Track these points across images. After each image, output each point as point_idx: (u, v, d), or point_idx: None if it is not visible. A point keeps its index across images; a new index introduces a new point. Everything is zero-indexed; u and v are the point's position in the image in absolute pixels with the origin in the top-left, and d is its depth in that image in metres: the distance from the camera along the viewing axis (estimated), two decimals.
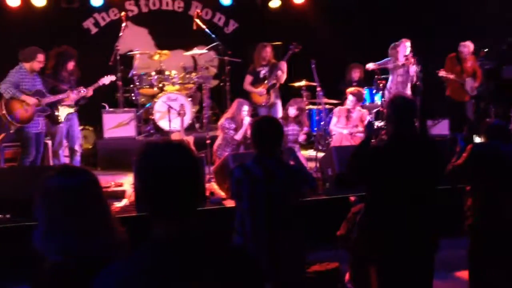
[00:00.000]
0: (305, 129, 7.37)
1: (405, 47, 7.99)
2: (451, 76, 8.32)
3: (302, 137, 7.35)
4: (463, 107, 8.62)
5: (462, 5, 9.52)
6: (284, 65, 7.90)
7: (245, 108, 6.93)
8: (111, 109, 8.39)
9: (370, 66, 8.24)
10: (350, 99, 7.41)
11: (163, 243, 1.56)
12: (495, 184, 3.64)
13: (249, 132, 6.82)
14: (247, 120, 6.85)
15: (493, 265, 3.55)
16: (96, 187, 1.99)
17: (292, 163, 3.57)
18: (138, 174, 1.63)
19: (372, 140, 3.76)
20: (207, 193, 6.03)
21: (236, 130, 6.89)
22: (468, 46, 8.41)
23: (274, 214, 3.29)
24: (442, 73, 8.29)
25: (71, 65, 6.88)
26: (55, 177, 1.92)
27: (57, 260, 1.83)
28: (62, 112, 6.75)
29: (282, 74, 7.93)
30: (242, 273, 1.59)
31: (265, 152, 3.37)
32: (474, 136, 5.29)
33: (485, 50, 9.02)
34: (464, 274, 4.50)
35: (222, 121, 7.07)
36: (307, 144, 8.80)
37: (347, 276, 4.68)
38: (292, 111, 7.26)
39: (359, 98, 7.44)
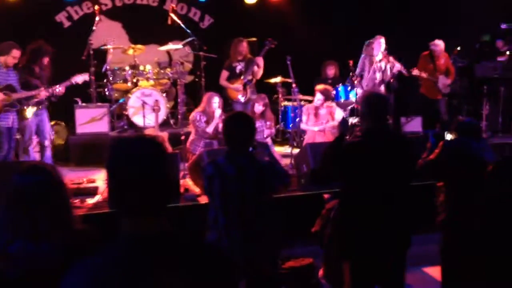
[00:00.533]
0: (268, 123, 7.35)
1: (380, 44, 8.04)
2: (425, 75, 8.42)
3: (267, 132, 7.33)
4: (436, 105, 8.73)
5: (436, 4, 9.63)
6: (261, 61, 7.89)
7: (216, 100, 6.90)
8: (83, 104, 8.26)
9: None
10: (318, 97, 7.42)
11: (132, 240, 1.53)
12: (466, 180, 3.68)
13: (220, 125, 6.83)
14: (218, 112, 6.83)
15: (465, 261, 3.59)
16: (50, 187, 1.93)
17: (266, 158, 3.54)
18: (107, 170, 1.60)
19: (347, 137, 3.77)
20: (182, 190, 5.99)
21: (208, 122, 6.87)
22: (439, 45, 8.52)
23: (247, 211, 3.27)
24: (415, 71, 8.38)
25: (45, 61, 6.79)
26: (14, 175, 1.88)
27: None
28: (31, 108, 6.64)
29: (259, 70, 7.93)
30: (214, 271, 1.57)
31: (237, 149, 3.35)
32: (446, 133, 5.34)
33: (458, 48, 9.15)
34: (434, 270, 4.57)
35: (193, 114, 7.05)
36: (282, 141, 8.81)
37: (321, 272, 4.70)
38: (259, 108, 7.26)
39: (327, 97, 7.44)
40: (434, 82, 8.56)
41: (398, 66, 8.00)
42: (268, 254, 3.37)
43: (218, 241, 3.27)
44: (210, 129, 6.85)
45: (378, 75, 8.08)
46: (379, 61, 8.03)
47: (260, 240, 3.30)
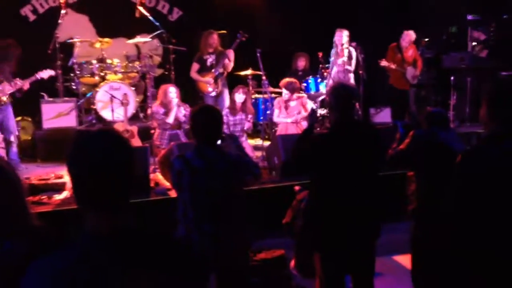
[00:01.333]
0: (250, 116, 7.36)
1: (342, 36, 8.11)
2: (393, 66, 8.51)
3: (247, 125, 7.34)
4: (404, 95, 8.83)
5: None
6: (231, 54, 7.85)
7: (172, 90, 6.88)
8: (50, 99, 8.10)
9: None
10: (284, 92, 7.45)
11: (95, 237, 1.49)
12: (436, 170, 3.72)
13: (180, 115, 6.81)
14: (175, 101, 6.81)
15: (435, 249, 3.63)
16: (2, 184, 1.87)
17: (234, 151, 3.51)
18: (68, 165, 1.56)
19: (318, 129, 3.78)
20: (152, 184, 5.93)
21: (166, 114, 6.84)
22: (409, 35, 8.61)
23: (216, 204, 3.25)
24: (383, 63, 8.47)
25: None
26: None
27: None
28: None
29: (230, 63, 7.89)
30: (182, 267, 1.55)
31: (205, 142, 3.31)
32: (414, 123, 5.46)
33: (426, 40, 9.26)
34: (404, 258, 4.62)
35: (151, 108, 7.01)
36: (254, 133, 8.79)
37: (292, 263, 4.72)
38: (240, 97, 7.22)
39: (292, 89, 7.45)
40: (402, 73, 8.65)
41: (355, 55, 8.07)
42: (238, 247, 3.35)
43: (188, 236, 3.24)
44: (170, 119, 6.81)
45: (344, 67, 8.14)
46: (343, 53, 8.10)
47: (230, 233, 3.28)
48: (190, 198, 3.23)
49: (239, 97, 7.23)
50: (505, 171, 2.42)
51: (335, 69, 8.26)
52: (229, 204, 3.29)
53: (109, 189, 1.50)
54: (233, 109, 7.27)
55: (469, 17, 9.66)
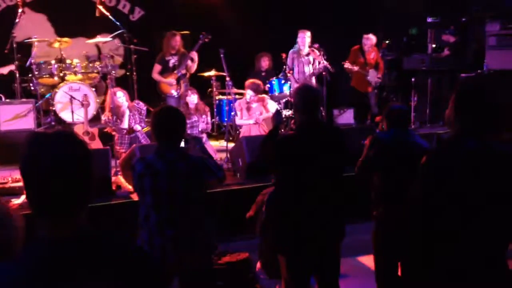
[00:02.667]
0: (204, 116, 7.28)
1: (305, 37, 8.14)
2: (355, 68, 8.58)
3: (202, 126, 7.27)
4: (366, 97, 8.92)
5: None
6: (195, 55, 7.77)
7: (119, 95, 6.80)
8: (7, 100, 7.87)
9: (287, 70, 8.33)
10: (249, 93, 7.42)
11: (49, 243, 1.42)
12: (400, 171, 3.74)
13: (132, 122, 6.73)
14: (125, 105, 6.71)
15: (398, 251, 3.65)
16: None
17: (198, 153, 3.45)
18: (20, 168, 1.48)
19: (282, 130, 3.76)
20: (114, 187, 5.81)
21: (119, 119, 6.75)
22: (371, 39, 8.70)
23: (178, 207, 3.18)
24: (346, 65, 8.54)
25: None
26: None
27: None
28: None
29: (193, 64, 7.81)
30: (140, 275, 1.49)
31: (166, 144, 3.24)
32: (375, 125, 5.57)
33: (387, 42, 9.38)
34: (369, 259, 4.64)
35: (102, 117, 6.91)
36: (218, 135, 8.73)
37: (258, 265, 4.68)
38: (192, 99, 7.15)
39: (257, 90, 7.45)
40: (364, 75, 8.73)
41: (323, 63, 8.09)
42: (200, 250, 3.29)
43: (150, 240, 3.16)
44: (124, 124, 6.72)
45: (307, 68, 8.18)
46: (306, 54, 8.12)
47: (191, 237, 3.22)
48: (152, 201, 3.16)
49: (192, 99, 7.17)
50: (469, 170, 2.44)
51: (297, 70, 8.26)
52: (191, 207, 3.22)
53: (63, 194, 1.43)
54: (187, 112, 7.21)
55: (429, 19, 9.84)
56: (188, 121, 7.18)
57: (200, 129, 7.27)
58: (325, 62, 8.07)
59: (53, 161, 1.42)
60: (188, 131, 7.19)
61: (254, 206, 4.46)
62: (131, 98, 7.31)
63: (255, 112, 7.47)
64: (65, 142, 1.47)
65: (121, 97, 6.76)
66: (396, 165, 3.76)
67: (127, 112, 6.66)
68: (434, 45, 9.87)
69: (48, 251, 1.42)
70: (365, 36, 8.69)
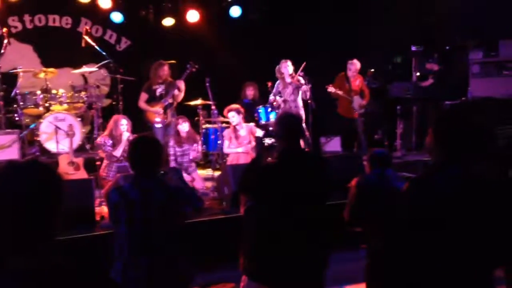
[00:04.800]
0: (195, 145, 7.28)
1: (286, 66, 8.18)
2: (340, 92, 8.60)
3: (193, 154, 7.25)
4: (352, 124, 8.95)
5: (350, 26, 9.94)
6: (182, 84, 7.76)
7: (123, 122, 6.77)
8: None
9: (271, 99, 8.34)
10: (232, 115, 7.42)
11: (15, 274, 1.38)
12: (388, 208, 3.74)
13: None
14: (126, 135, 6.69)
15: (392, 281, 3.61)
16: None
17: (176, 184, 3.40)
18: None
19: (269, 158, 3.73)
20: (97, 217, 5.73)
21: (114, 146, 6.70)
22: (355, 64, 8.78)
23: (153, 238, 3.13)
24: (330, 88, 8.56)
25: None
26: None
27: None
28: None
29: (180, 93, 7.80)
30: None
31: (142, 173, 3.21)
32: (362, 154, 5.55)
33: (372, 70, 9.47)
34: None
35: (99, 138, 6.86)
36: (205, 164, 8.70)
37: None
38: (184, 128, 7.16)
39: (239, 111, 7.47)
40: (349, 102, 8.78)
41: (304, 87, 8.11)
42: (176, 282, 3.22)
43: (124, 271, 3.10)
44: (117, 152, 6.68)
45: (291, 97, 8.18)
46: (289, 83, 8.15)
47: (167, 267, 3.15)
48: (126, 231, 3.10)
49: (183, 127, 7.17)
50: (451, 198, 2.44)
51: (279, 99, 8.26)
52: (166, 237, 3.16)
53: (31, 224, 1.39)
54: (178, 140, 7.20)
55: (413, 48, 9.97)
56: (178, 149, 7.16)
57: (191, 158, 7.25)
58: (308, 93, 8.09)
59: (19, 187, 1.39)
60: (179, 159, 7.17)
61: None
62: None
63: (244, 140, 7.46)
64: (35, 170, 1.45)
65: (124, 125, 6.74)
66: (381, 204, 3.76)
67: (124, 142, 6.61)
68: (418, 73, 9.98)
69: (15, 284, 1.38)
70: (349, 61, 8.77)
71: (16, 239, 1.41)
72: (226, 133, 7.60)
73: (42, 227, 1.42)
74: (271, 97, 8.37)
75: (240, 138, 7.50)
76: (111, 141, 6.70)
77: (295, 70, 8.15)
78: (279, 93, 8.34)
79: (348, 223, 3.88)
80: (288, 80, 8.15)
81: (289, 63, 8.21)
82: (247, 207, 3.61)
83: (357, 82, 8.87)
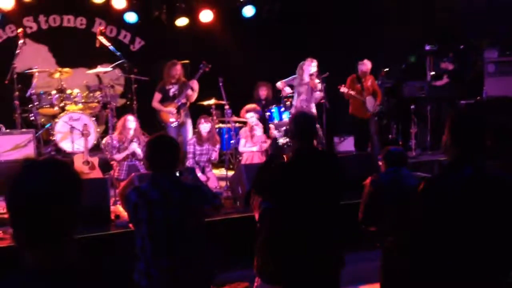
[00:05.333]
0: (217, 146, 7.32)
1: (310, 66, 8.14)
2: (352, 92, 8.54)
3: (214, 155, 7.29)
4: (366, 124, 8.89)
5: (364, 26, 9.90)
6: (195, 84, 7.79)
7: (130, 119, 6.87)
8: (7, 131, 7.86)
9: (279, 85, 8.34)
10: (251, 115, 7.45)
11: (33, 275, 1.39)
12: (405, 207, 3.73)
13: (137, 151, 6.73)
14: (134, 145, 6.83)
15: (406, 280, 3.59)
16: None
17: (190, 182, 3.43)
18: (6, 195, 1.45)
19: (284, 158, 3.73)
20: (113, 216, 5.76)
21: (120, 146, 6.75)
22: (366, 64, 8.70)
23: (174, 237, 3.13)
24: (343, 89, 8.50)
25: None
26: None
27: None
28: None
29: (193, 93, 7.83)
30: None
31: (160, 172, 3.22)
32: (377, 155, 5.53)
33: (385, 70, 9.41)
34: None
35: (105, 138, 6.92)
36: (218, 163, 8.72)
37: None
38: (205, 127, 7.18)
39: (257, 111, 7.51)
40: (362, 102, 8.73)
41: (319, 94, 8.10)
42: (198, 281, 3.23)
43: (147, 271, 3.11)
44: (118, 156, 6.72)
45: (304, 96, 8.16)
46: (306, 82, 8.12)
47: (189, 267, 3.16)
48: (148, 231, 3.11)
49: (204, 127, 7.19)
50: (466, 197, 2.43)
51: (296, 98, 8.26)
52: (187, 236, 3.18)
53: (48, 223, 1.40)
54: (199, 139, 7.21)
55: (427, 47, 9.91)
56: (198, 148, 7.19)
57: (212, 158, 7.28)
58: (321, 94, 8.08)
59: (40, 190, 1.40)
60: (196, 158, 7.20)
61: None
62: None
63: (259, 140, 7.48)
64: (54, 168, 1.45)
65: (131, 121, 6.79)
66: (397, 202, 3.75)
67: (129, 149, 6.68)
68: (433, 73, 9.92)
69: (31, 283, 1.39)
70: (360, 62, 8.72)
71: (33, 237, 1.42)
72: (243, 132, 7.64)
73: (60, 226, 1.43)
74: (279, 83, 8.30)
75: (255, 137, 7.52)
76: (117, 144, 6.77)
77: (318, 72, 8.13)
78: (291, 86, 8.32)
79: (362, 222, 3.87)
80: (307, 79, 8.11)
81: (314, 63, 8.14)
82: (262, 210, 3.60)
83: (369, 83, 8.81)
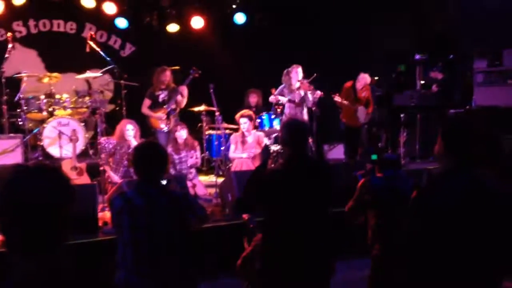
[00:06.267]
0: (192, 151, 7.24)
1: (297, 72, 8.17)
2: (345, 102, 8.59)
3: (191, 161, 7.22)
4: (357, 133, 8.92)
5: (354, 35, 9.94)
6: (184, 90, 7.77)
7: (129, 128, 6.78)
8: None
9: (272, 99, 8.34)
10: (244, 121, 7.42)
11: (21, 282, 1.36)
12: (393, 212, 3.75)
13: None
14: (132, 142, 6.72)
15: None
16: None
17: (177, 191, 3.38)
18: None
19: (273, 165, 3.72)
20: (100, 223, 5.70)
21: (117, 150, 6.71)
22: (365, 78, 8.77)
23: (157, 245, 3.08)
24: (337, 98, 8.54)
25: None
26: None
27: None
28: None
29: (183, 99, 7.80)
30: None
31: (147, 179, 3.18)
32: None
33: (376, 78, 9.45)
34: None
35: (102, 139, 6.86)
36: (208, 170, 8.68)
37: None
38: (181, 135, 7.14)
39: (251, 117, 7.48)
40: (354, 111, 8.76)
41: (319, 92, 8.12)
42: None
43: (127, 279, 3.05)
44: (115, 177, 6.66)
45: (298, 103, 8.17)
46: (297, 89, 8.14)
47: (172, 275, 3.11)
48: (130, 238, 3.05)
49: (180, 134, 7.15)
50: (459, 205, 2.42)
51: (287, 105, 8.26)
52: (171, 244, 3.12)
53: (39, 229, 1.37)
54: (176, 148, 7.17)
55: (417, 56, 9.96)
56: (176, 156, 7.14)
57: (189, 165, 7.22)
58: (319, 92, 8.10)
59: (33, 197, 1.37)
60: (177, 167, 7.14)
61: (245, 253, 4.34)
62: None
63: (250, 147, 7.45)
64: (45, 175, 1.43)
65: (130, 130, 6.73)
66: (388, 207, 3.77)
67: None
68: (422, 82, 9.97)
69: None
70: (361, 74, 8.76)
71: (26, 244, 1.39)
72: (233, 137, 7.61)
73: (53, 232, 1.41)
74: (272, 98, 8.32)
75: (246, 144, 7.49)
76: (111, 147, 6.73)
77: (305, 78, 8.14)
78: (282, 95, 8.33)
79: (347, 215, 3.90)
80: (297, 85, 8.12)
81: (300, 69, 8.19)
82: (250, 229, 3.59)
83: (364, 93, 8.84)
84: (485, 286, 2.42)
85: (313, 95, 8.09)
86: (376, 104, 9.27)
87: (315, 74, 8.12)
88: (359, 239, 4.00)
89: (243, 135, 7.48)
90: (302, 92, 8.15)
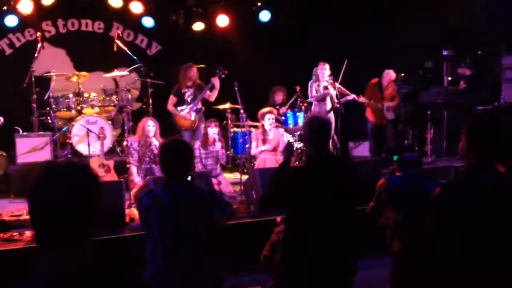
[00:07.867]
0: (219, 145, 7.27)
1: (324, 70, 8.13)
2: (371, 102, 8.56)
3: (220, 155, 7.26)
4: (382, 130, 8.86)
5: (380, 30, 9.87)
6: (217, 82, 7.72)
7: (150, 124, 6.85)
8: (24, 133, 7.95)
9: (313, 100, 8.30)
10: (268, 117, 7.43)
11: (51, 277, 1.40)
12: (410, 211, 3.75)
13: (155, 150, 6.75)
14: (152, 138, 6.78)
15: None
16: None
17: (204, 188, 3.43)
18: (27, 197, 1.47)
19: (297, 162, 3.74)
20: (127, 219, 5.79)
21: (140, 147, 6.78)
22: (389, 74, 8.72)
23: (186, 241, 3.13)
24: (362, 99, 8.50)
25: None
26: None
27: None
28: None
29: (214, 92, 7.79)
30: None
31: (173, 177, 3.22)
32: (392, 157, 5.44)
33: (402, 75, 9.36)
34: None
35: (128, 141, 6.93)
36: (232, 167, 8.73)
37: None
38: (214, 131, 7.18)
39: (274, 115, 7.53)
40: (380, 108, 8.70)
41: (350, 96, 8.12)
42: (209, 285, 3.22)
43: (157, 275, 3.11)
44: (137, 178, 6.71)
45: (324, 100, 8.14)
46: (324, 87, 8.10)
47: (200, 271, 3.16)
48: (159, 235, 3.11)
49: (213, 131, 7.18)
50: (482, 204, 2.40)
51: (314, 103, 8.24)
52: (199, 240, 3.17)
53: (69, 225, 1.42)
54: (205, 143, 7.21)
55: (445, 52, 9.83)
56: (203, 151, 7.19)
57: (215, 159, 7.28)
58: (351, 95, 8.09)
59: (61, 192, 1.41)
60: (203, 161, 7.20)
61: (268, 245, 4.39)
62: None
63: (272, 144, 7.47)
64: (75, 172, 1.47)
65: (150, 126, 6.80)
66: (405, 206, 3.77)
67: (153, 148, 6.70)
68: (450, 78, 9.83)
69: (50, 286, 1.40)
70: (386, 71, 8.71)
71: (55, 240, 1.44)
72: (254, 134, 7.64)
73: (81, 229, 1.45)
74: (312, 99, 8.27)
75: (267, 141, 7.51)
76: (136, 145, 6.79)
77: (332, 75, 8.12)
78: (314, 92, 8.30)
79: (368, 217, 3.93)
80: (325, 83, 8.09)
81: (327, 65, 8.15)
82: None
83: (389, 90, 8.79)
84: (504, 283, 2.40)
85: (340, 95, 8.08)
86: (402, 100, 9.19)
87: (346, 61, 8.06)
88: (378, 238, 4.02)
89: (265, 133, 7.50)
90: (331, 90, 8.10)
